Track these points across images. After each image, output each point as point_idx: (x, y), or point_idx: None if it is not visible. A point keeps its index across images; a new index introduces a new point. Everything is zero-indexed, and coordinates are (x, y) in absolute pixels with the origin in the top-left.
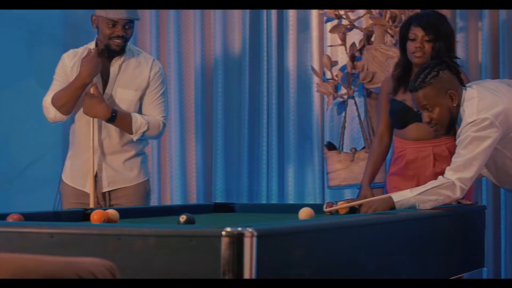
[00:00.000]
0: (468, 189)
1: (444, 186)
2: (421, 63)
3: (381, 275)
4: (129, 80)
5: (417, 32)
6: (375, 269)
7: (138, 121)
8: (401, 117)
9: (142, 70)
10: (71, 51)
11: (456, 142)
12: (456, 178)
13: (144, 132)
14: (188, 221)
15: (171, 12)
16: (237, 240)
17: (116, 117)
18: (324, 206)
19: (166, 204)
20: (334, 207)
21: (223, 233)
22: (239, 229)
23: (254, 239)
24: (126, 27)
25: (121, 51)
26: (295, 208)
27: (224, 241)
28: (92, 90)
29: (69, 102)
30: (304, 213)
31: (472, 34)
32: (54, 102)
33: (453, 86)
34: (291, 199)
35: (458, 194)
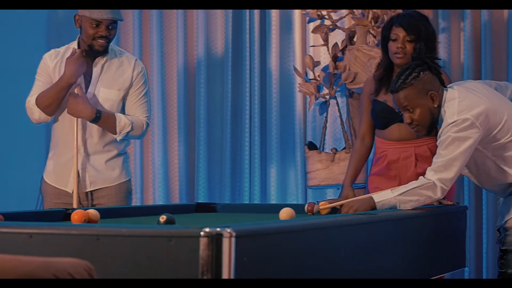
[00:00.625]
0: (449, 189)
1: (425, 187)
2: (403, 63)
3: (362, 275)
4: (112, 80)
5: (399, 33)
6: (355, 270)
7: (122, 121)
8: (383, 118)
9: (125, 70)
10: (52, 51)
11: (437, 142)
12: (436, 178)
13: (128, 133)
14: (168, 221)
15: (154, 12)
16: (215, 241)
17: (100, 118)
18: (306, 206)
19: (148, 204)
20: (316, 208)
21: (202, 233)
22: (218, 229)
23: (233, 239)
24: (110, 27)
25: (104, 51)
26: (277, 208)
27: (203, 241)
28: (76, 90)
29: (54, 103)
30: (285, 213)
31: (454, 34)
32: (38, 103)
33: (434, 87)
34: (273, 199)
35: (439, 194)
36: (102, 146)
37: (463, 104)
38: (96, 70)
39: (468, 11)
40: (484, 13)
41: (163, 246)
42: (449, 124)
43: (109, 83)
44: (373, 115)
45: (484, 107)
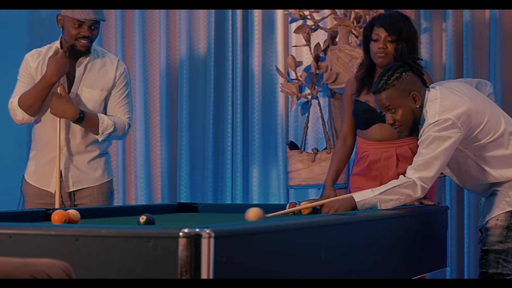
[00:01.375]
0: (429, 188)
1: (405, 185)
2: (384, 64)
3: (342, 275)
4: (95, 80)
5: (380, 33)
6: (335, 270)
7: (105, 122)
8: (364, 118)
9: (107, 70)
10: (34, 51)
11: (418, 142)
12: (417, 177)
13: (110, 133)
14: (148, 222)
15: (136, 12)
16: (194, 241)
17: (83, 118)
18: (287, 206)
19: (130, 204)
20: (297, 207)
21: (181, 234)
22: (197, 230)
23: (212, 240)
24: (92, 27)
25: (86, 52)
26: (260, 208)
27: (182, 242)
28: (59, 90)
29: (37, 103)
30: (252, 213)
31: (436, 35)
32: (21, 103)
33: (416, 88)
34: (255, 199)
35: (419, 193)
36: (85, 146)
37: (445, 104)
38: (79, 70)
39: (450, 11)
40: (466, 13)
41: (142, 246)
42: (431, 124)
43: (92, 83)
44: (355, 115)
45: (466, 108)
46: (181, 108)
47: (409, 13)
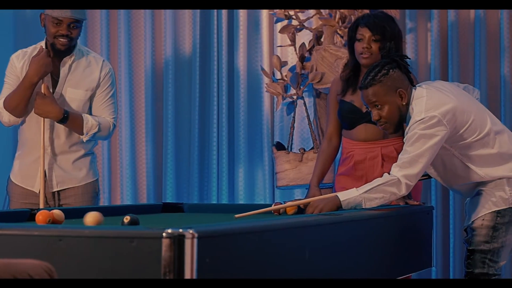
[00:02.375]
0: (413, 185)
1: (389, 183)
2: (369, 63)
3: (327, 275)
4: (79, 80)
5: (364, 33)
6: (320, 270)
7: (89, 122)
8: (349, 118)
9: (92, 70)
10: (19, 51)
11: (404, 139)
12: (401, 175)
13: (95, 133)
14: (132, 222)
15: (122, 12)
16: (177, 242)
17: (68, 118)
18: (273, 205)
19: (115, 204)
20: (281, 206)
21: (164, 234)
22: (180, 230)
23: (195, 240)
24: (71, 26)
25: (67, 51)
26: (245, 208)
27: (165, 242)
28: (43, 90)
29: (21, 104)
30: (91, 218)
31: (421, 35)
32: (6, 105)
33: (403, 85)
34: (241, 199)
35: (403, 191)
36: (69, 146)
37: (431, 102)
38: (63, 70)
39: (435, 11)
40: (451, 13)
41: (125, 247)
42: (417, 121)
43: (76, 83)
44: (340, 115)
45: (452, 106)
46: (167, 108)
47: (394, 13)
